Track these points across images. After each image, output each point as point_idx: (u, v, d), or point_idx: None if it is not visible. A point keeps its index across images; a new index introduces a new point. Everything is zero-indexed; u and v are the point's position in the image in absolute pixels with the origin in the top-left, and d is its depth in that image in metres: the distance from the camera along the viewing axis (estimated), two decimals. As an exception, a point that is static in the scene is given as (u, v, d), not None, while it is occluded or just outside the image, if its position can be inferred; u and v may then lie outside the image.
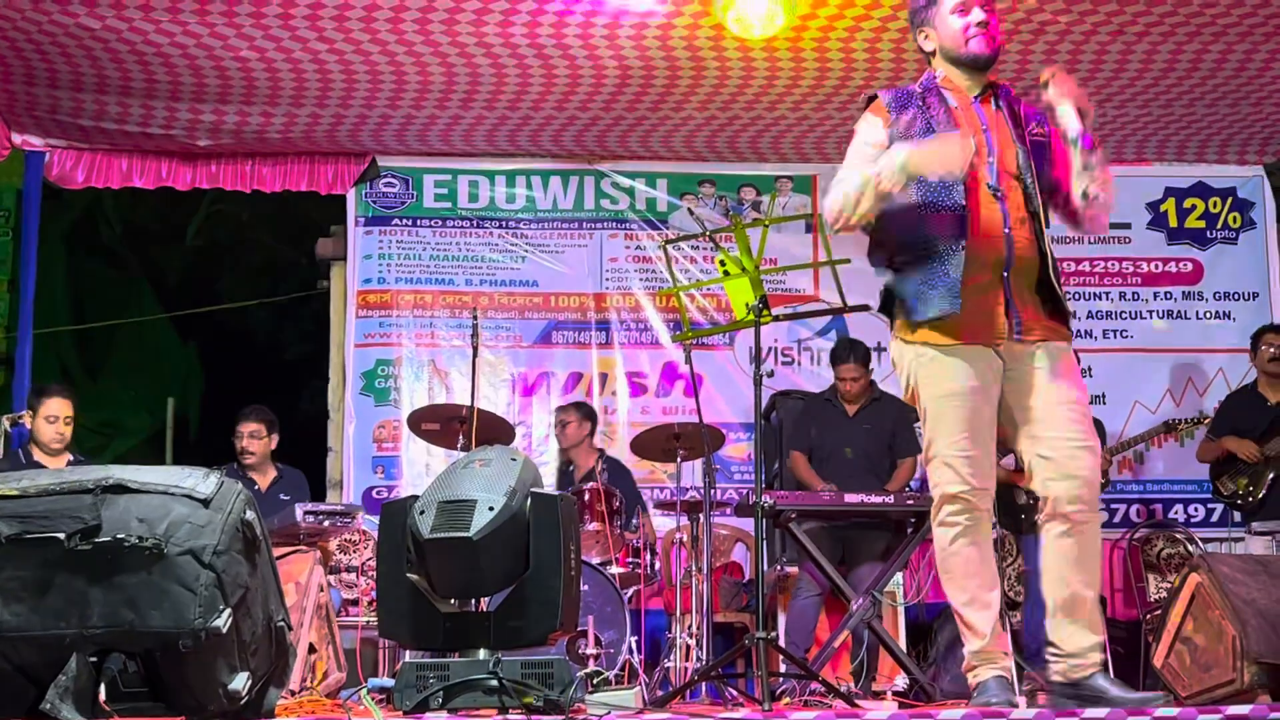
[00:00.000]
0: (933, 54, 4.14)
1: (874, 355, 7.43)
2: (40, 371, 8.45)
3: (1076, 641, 3.94)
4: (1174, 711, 3.54)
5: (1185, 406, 8.22)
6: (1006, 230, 3.92)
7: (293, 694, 4.94)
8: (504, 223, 8.73)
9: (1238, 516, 7.63)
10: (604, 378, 8.66)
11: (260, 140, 8.13)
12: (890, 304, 4.10)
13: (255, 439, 7.18)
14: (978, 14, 4.02)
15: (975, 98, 4.07)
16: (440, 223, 8.70)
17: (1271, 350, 7.29)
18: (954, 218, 3.89)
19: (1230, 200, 8.82)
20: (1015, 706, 3.79)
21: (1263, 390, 7.38)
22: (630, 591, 6.91)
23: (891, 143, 3.98)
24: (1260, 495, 7.11)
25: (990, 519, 4.01)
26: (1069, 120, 4.02)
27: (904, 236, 3.99)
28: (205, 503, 3.35)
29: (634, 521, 7.30)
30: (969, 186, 3.91)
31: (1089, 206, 4.02)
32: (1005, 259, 3.92)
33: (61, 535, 3.23)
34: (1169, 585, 7.20)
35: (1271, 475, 7.10)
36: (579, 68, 7.27)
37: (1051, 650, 3.99)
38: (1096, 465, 3.94)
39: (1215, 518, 8.26)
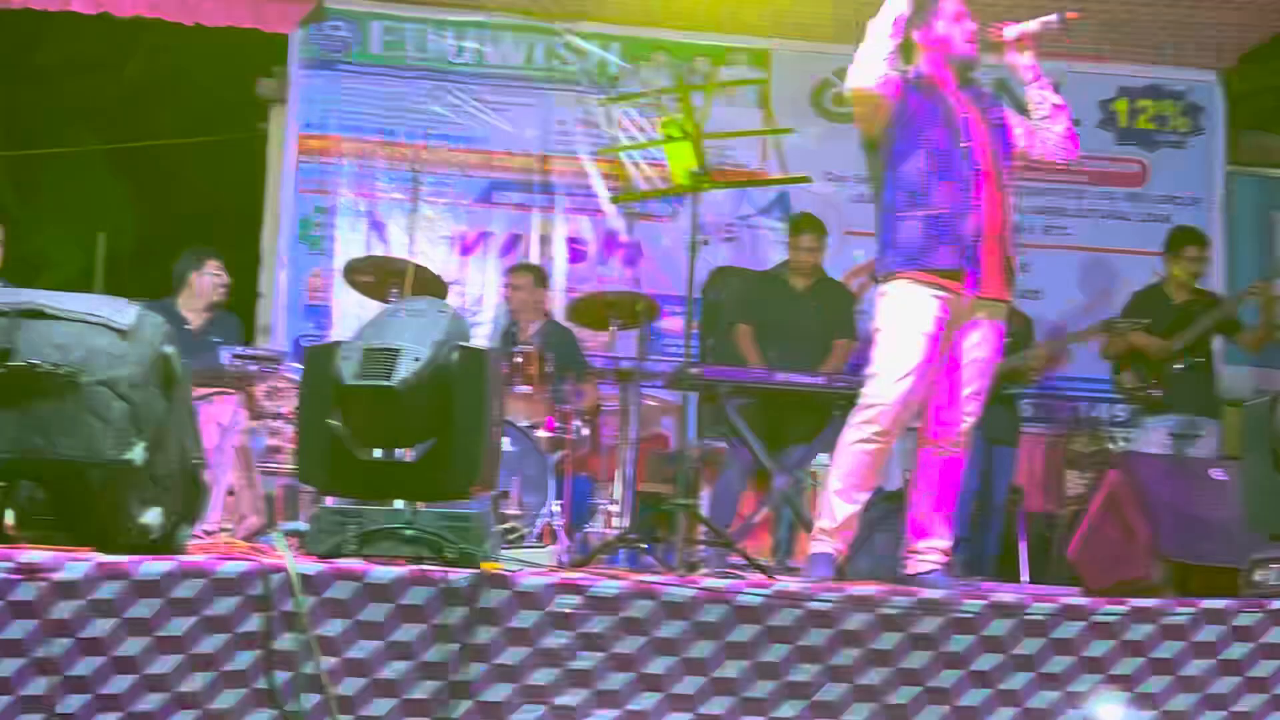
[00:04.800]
0: (923, 48, 4.69)
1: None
2: (-33, 197, 8.25)
3: (921, 540, 4.67)
4: (1083, 601, 3.60)
5: (1119, 305, 8.24)
6: (979, 202, 4.54)
7: (208, 534, 4.92)
8: (451, 76, 8.56)
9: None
10: (544, 241, 8.58)
11: (205, -28, 7.89)
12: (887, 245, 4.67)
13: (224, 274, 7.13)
14: (970, 24, 4.68)
15: (957, 89, 4.67)
16: (386, 71, 8.52)
17: (1191, 266, 7.34)
18: (961, 189, 4.53)
19: (1182, 103, 8.82)
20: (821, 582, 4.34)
21: (1167, 289, 7.44)
22: (556, 457, 6.91)
23: (905, 96, 4.59)
24: (1161, 391, 7.22)
25: (897, 436, 4.65)
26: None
27: (911, 195, 4.57)
28: (123, 334, 3.28)
29: (563, 388, 7.27)
30: (964, 160, 4.55)
31: (1055, 120, 4.74)
32: (979, 226, 4.54)
33: (-29, 357, 3.17)
34: (1087, 481, 7.31)
35: (1176, 369, 7.19)
36: (540, -83, 7.09)
37: (905, 542, 4.74)
38: (978, 410, 4.69)
39: (1137, 418, 8.34)
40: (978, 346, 4.66)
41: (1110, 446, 7.86)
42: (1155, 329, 7.24)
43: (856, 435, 4.59)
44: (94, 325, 3.29)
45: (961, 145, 4.57)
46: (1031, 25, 4.66)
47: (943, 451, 4.68)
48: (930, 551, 4.66)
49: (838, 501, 4.63)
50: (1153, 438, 7.20)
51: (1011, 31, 4.67)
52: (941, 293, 4.53)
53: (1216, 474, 5.30)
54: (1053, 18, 4.64)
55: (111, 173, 13.36)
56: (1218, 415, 7.40)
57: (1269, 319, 7.33)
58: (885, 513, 6.05)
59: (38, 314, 3.27)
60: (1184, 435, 7.19)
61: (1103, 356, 7.54)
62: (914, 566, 4.67)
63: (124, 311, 3.33)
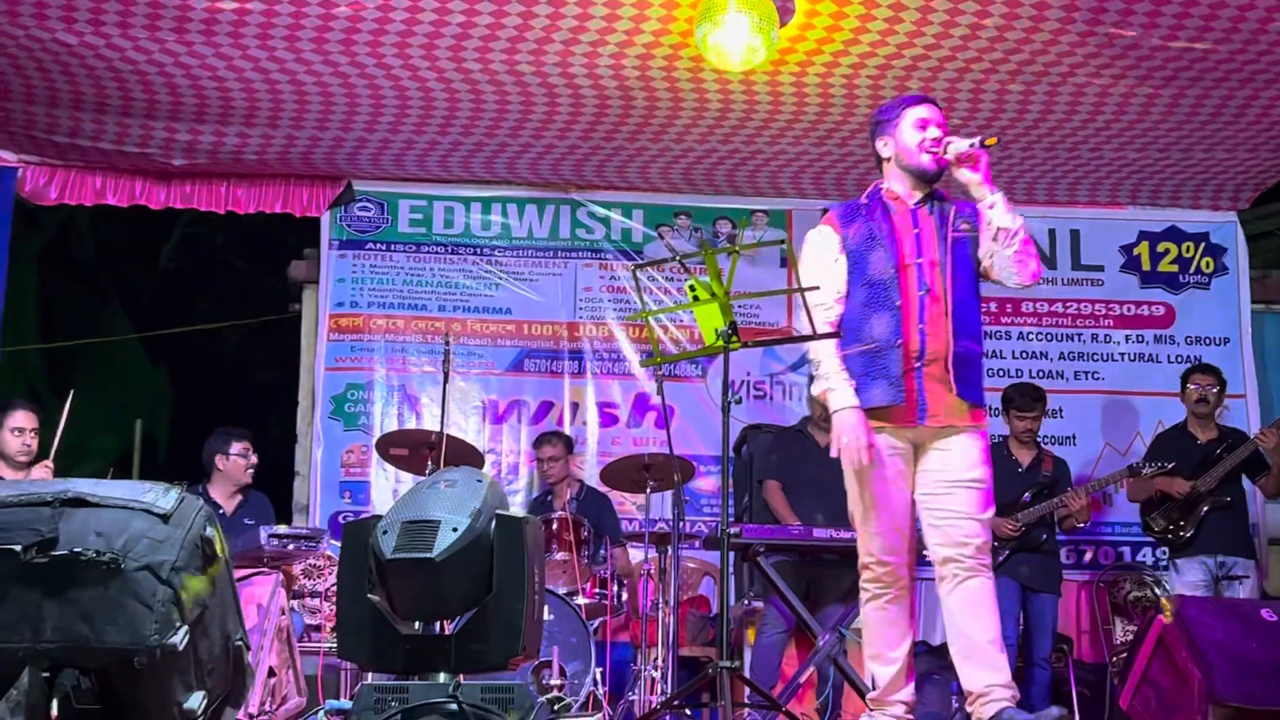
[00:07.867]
0: (887, 160, 4.57)
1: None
2: (8, 390, 8.38)
3: (980, 680, 4.33)
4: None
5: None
6: (921, 325, 4.39)
7: (251, 717, 4.88)
8: (479, 249, 8.71)
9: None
10: (575, 407, 8.63)
11: (236, 161, 8.08)
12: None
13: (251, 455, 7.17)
14: (934, 131, 4.46)
15: (914, 205, 4.51)
16: (415, 248, 8.67)
17: (1198, 390, 7.38)
18: (891, 318, 4.39)
19: (1203, 245, 8.85)
20: None
21: (1192, 429, 7.44)
22: (596, 623, 6.86)
23: (844, 248, 4.51)
24: (1190, 531, 7.16)
25: (904, 582, 4.47)
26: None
27: (850, 331, 4.48)
28: (165, 518, 3.30)
29: (601, 553, 7.26)
30: (901, 288, 4.40)
31: (1004, 244, 4.40)
32: (919, 351, 4.39)
33: (18, 547, 3.18)
34: (1136, 628, 7.20)
35: (1204, 510, 7.15)
36: (557, 96, 7.26)
37: (966, 695, 4.40)
38: (982, 531, 4.40)
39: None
40: (950, 469, 4.41)
41: (1156, 591, 7.76)
42: (1180, 469, 7.21)
43: (866, 596, 4.54)
44: (135, 511, 3.31)
45: (890, 274, 4.41)
46: (963, 145, 4.39)
47: (954, 582, 4.38)
48: (993, 690, 4.31)
49: (874, 667, 4.54)
50: (1187, 579, 7.12)
51: (952, 149, 4.41)
52: (887, 429, 4.44)
53: (1267, 615, 5.22)
54: (975, 140, 4.37)
55: (148, 360, 13.55)
56: (1253, 555, 7.31)
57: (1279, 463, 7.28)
58: (932, 666, 5.96)
59: (80, 502, 3.30)
60: (1221, 576, 7.11)
61: (1130, 499, 7.53)
62: (985, 711, 4.31)
63: (165, 496, 3.36)
